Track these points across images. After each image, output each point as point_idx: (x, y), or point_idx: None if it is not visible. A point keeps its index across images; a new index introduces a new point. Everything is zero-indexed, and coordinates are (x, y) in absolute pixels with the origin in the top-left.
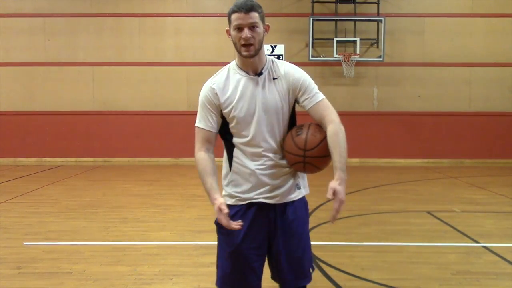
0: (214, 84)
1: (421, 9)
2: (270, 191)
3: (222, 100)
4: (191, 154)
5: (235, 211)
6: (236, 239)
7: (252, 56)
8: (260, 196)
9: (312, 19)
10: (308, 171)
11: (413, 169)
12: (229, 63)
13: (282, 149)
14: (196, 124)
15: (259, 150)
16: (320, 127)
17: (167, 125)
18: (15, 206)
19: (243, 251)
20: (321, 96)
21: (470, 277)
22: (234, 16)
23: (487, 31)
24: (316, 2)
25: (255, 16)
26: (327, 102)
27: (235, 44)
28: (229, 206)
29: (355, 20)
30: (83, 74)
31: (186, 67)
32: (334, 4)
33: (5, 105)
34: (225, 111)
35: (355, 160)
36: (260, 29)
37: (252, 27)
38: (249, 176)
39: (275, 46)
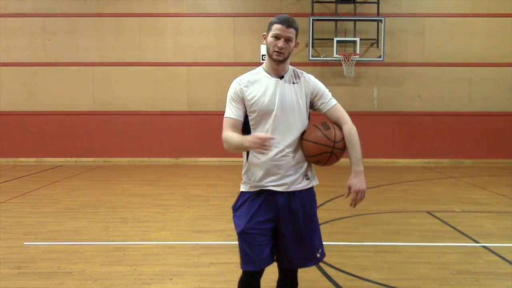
0: (241, 81)
1: (421, 9)
2: (279, 179)
3: (246, 94)
4: (191, 154)
5: (247, 196)
6: (244, 220)
7: (280, 61)
8: (269, 184)
9: (312, 19)
10: (330, 162)
11: (413, 169)
12: (228, 63)
13: (295, 144)
14: (225, 116)
15: (273, 142)
16: (339, 126)
17: (167, 125)
18: (15, 206)
19: (249, 230)
20: (335, 101)
21: (470, 277)
22: (276, 26)
23: (487, 31)
24: (316, 2)
25: (292, 32)
26: (340, 106)
27: (268, 48)
28: (243, 192)
29: (355, 20)
30: (83, 74)
31: (186, 67)
32: (334, 4)
33: (5, 105)
34: (248, 104)
35: None
36: (293, 43)
37: (288, 40)
38: (261, 166)
39: None
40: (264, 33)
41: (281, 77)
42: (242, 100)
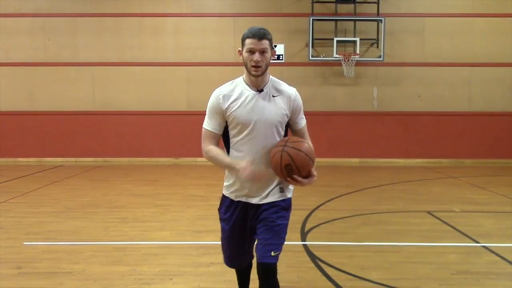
0: (221, 93)
1: (421, 9)
2: (253, 193)
3: (225, 106)
4: (191, 154)
5: (227, 203)
6: (227, 226)
7: (259, 76)
8: (243, 196)
9: (312, 19)
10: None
11: (413, 169)
12: (228, 63)
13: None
14: (204, 126)
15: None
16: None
17: (167, 125)
18: (15, 206)
19: (231, 238)
20: (305, 120)
21: (470, 277)
22: (248, 40)
23: (487, 31)
24: (316, 2)
25: (266, 43)
26: (306, 126)
27: (245, 64)
28: (224, 196)
29: (355, 20)
30: (83, 74)
31: (186, 67)
32: (334, 4)
33: (5, 105)
34: (227, 116)
35: (355, 160)
36: (269, 54)
37: (262, 52)
38: (239, 181)
39: (275, 46)
40: (239, 49)
41: (261, 91)
42: (221, 113)
